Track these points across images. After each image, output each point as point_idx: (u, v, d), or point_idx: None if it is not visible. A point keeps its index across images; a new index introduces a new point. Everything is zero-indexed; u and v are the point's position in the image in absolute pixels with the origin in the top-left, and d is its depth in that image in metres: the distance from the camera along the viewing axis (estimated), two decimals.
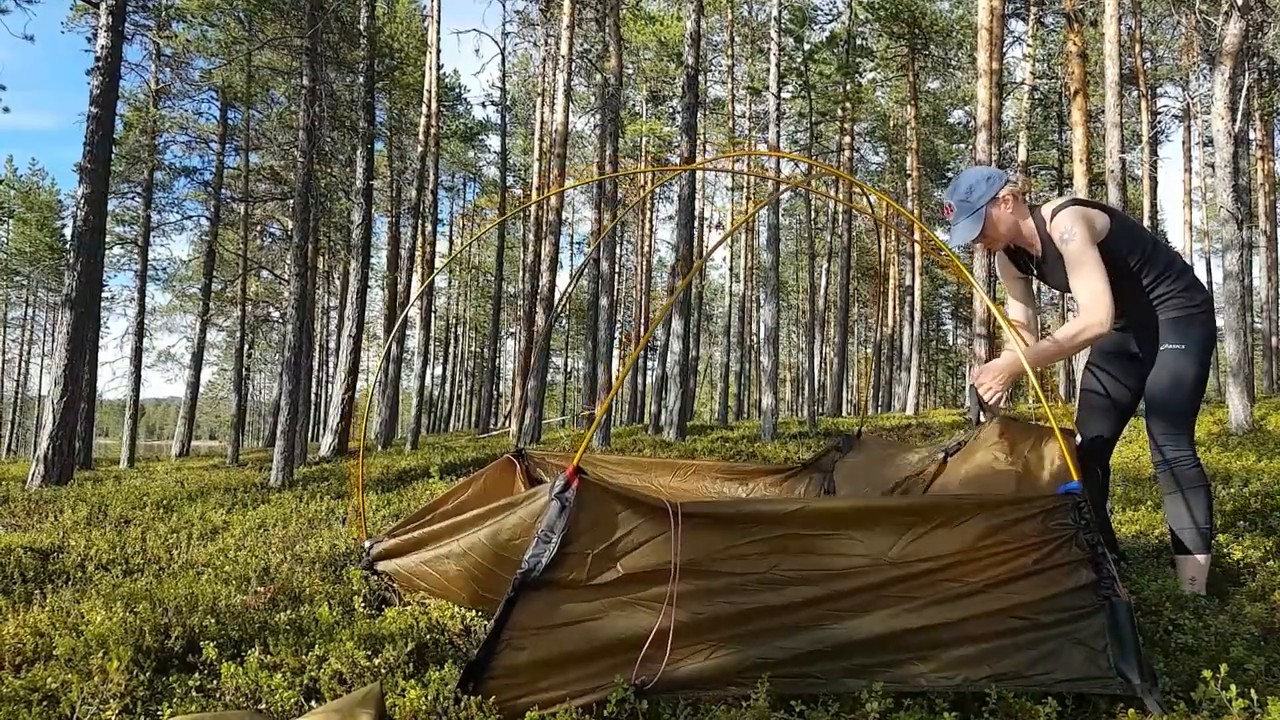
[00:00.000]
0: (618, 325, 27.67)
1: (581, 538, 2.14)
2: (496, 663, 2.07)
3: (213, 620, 2.80)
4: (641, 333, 31.48)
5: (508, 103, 27.60)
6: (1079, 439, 3.28)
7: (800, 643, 2.16)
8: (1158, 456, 3.15)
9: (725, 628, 2.17)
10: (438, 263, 24.53)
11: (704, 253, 32.08)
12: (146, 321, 22.79)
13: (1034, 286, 3.49)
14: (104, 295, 22.24)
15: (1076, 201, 3.07)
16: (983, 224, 3.05)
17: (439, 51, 18.55)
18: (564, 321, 40.15)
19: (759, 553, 2.25)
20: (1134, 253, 3.08)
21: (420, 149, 18.37)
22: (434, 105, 18.52)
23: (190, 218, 23.62)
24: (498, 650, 2.08)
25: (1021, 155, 21.72)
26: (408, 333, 22.08)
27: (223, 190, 21.74)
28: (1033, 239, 3.16)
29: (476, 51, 41.30)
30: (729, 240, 31.68)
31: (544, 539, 2.12)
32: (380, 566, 3.45)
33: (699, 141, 21.78)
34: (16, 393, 40.77)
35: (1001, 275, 3.48)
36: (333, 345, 28.09)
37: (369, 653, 2.43)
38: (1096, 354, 3.43)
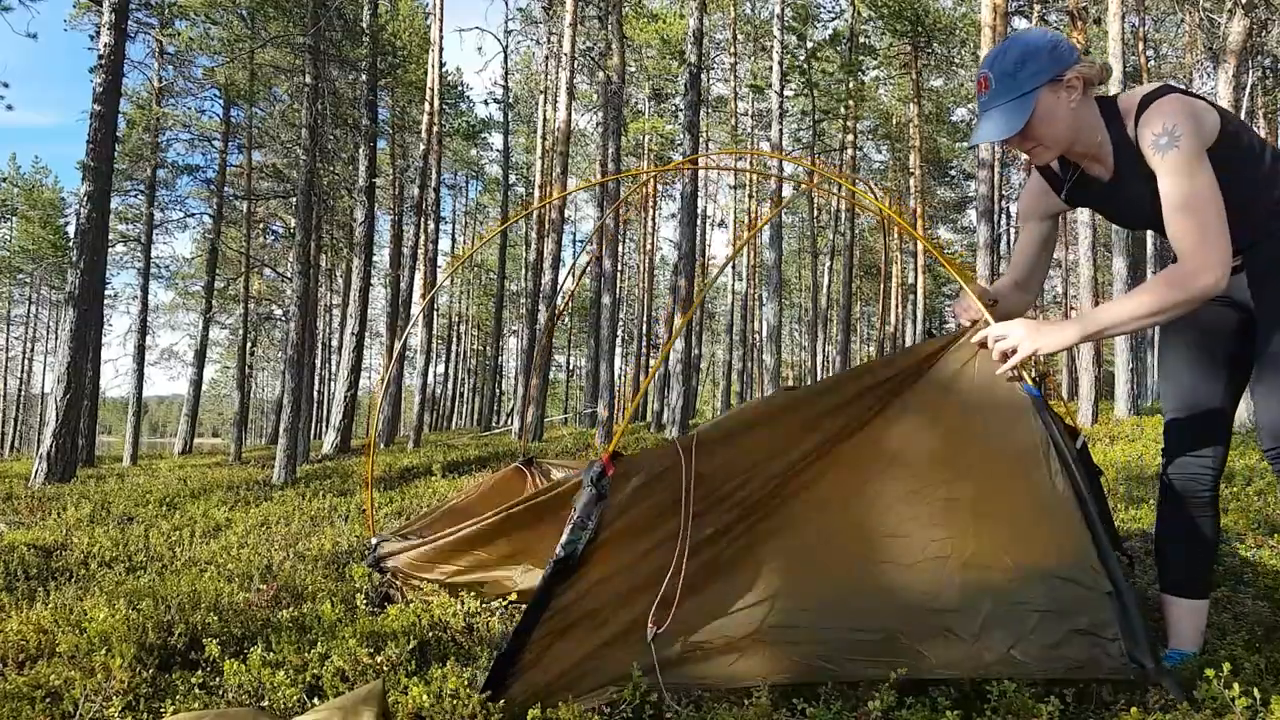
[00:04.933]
0: (620, 323, 27.67)
1: (616, 522, 2.13)
2: (526, 656, 2.06)
3: (215, 617, 2.81)
4: (646, 332, 31.47)
5: (510, 100, 27.62)
6: (1166, 459, 2.39)
7: (826, 590, 2.16)
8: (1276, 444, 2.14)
9: (745, 583, 2.17)
10: (440, 260, 24.53)
11: (707, 251, 32.11)
12: (149, 319, 22.83)
13: (1055, 238, 2.49)
14: (107, 293, 22.24)
15: (1174, 89, 2.05)
16: (1029, 115, 2.02)
17: (441, 49, 18.55)
18: (567, 319, 40.14)
19: (780, 471, 2.24)
20: (1249, 166, 2.09)
21: (423, 147, 18.37)
22: (437, 103, 18.52)
23: (193, 215, 23.68)
24: (528, 644, 2.07)
25: (1024, 154, 21.65)
26: (410, 331, 22.09)
27: (225, 188, 21.77)
28: (1100, 150, 2.15)
29: (479, 49, 41.50)
30: (731, 238, 31.64)
31: (580, 525, 2.09)
32: (388, 564, 3.45)
33: (702, 140, 21.76)
34: (20, 390, 40.85)
35: (1022, 214, 2.46)
36: (335, 343, 28.12)
37: (371, 650, 2.43)
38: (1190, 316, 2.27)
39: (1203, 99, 2.07)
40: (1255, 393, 2.16)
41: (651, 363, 28.21)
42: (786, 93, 21.09)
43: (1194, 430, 2.32)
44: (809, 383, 30.14)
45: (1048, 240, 2.43)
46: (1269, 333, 2.11)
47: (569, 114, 16.73)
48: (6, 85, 15.91)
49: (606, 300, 17.78)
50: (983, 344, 2.27)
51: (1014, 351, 2.15)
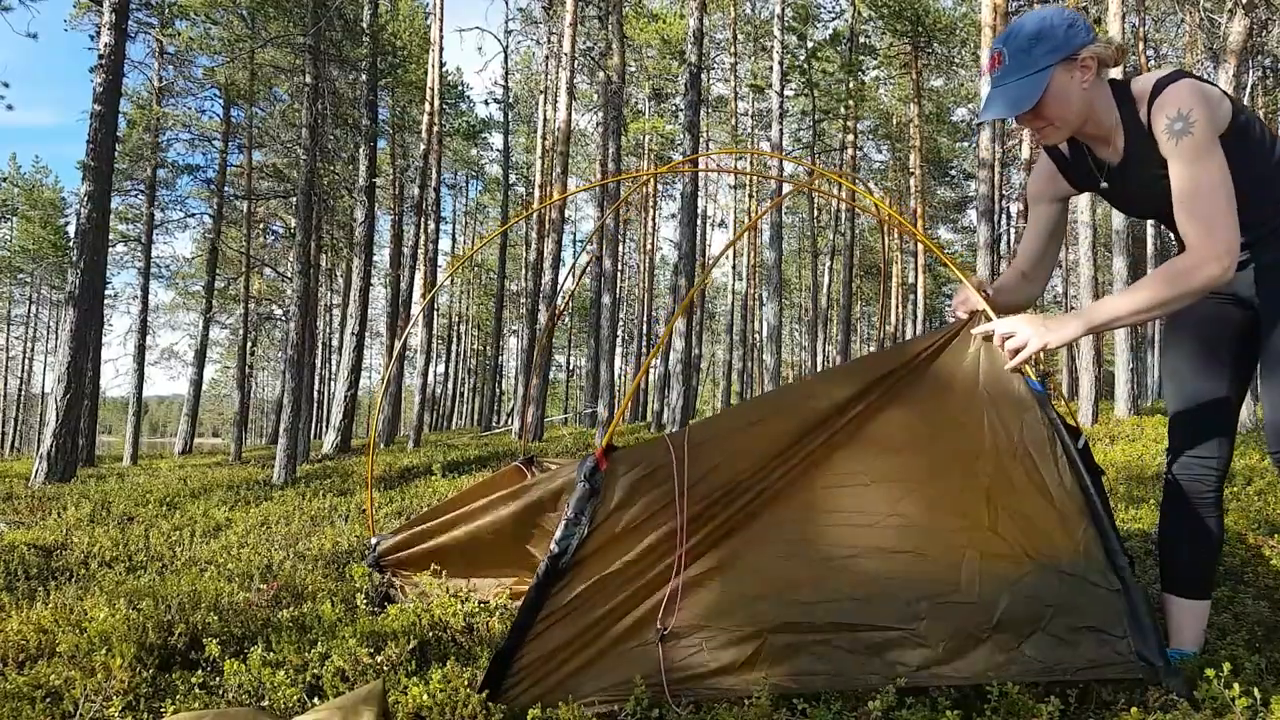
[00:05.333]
0: (620, 323, 27.70)
1: (610, 518, 2.11)
2: (523, 656, 2.05)
3: (215, 617, 2.81)
4: (646, 331, 31.48)
5: (510, 100, 27.63)
6: (1170, 458, 2.36)
7: (828, 594, 2.12)
8: None
9: (745, 584, 2.14)
10: (440, 260, 24.54)
11: (708, 251, 32.10)
12: (150, 319, 22.84)
13: (1064, 226, 2.42)
14: (107, 293, 22.25)
15: (1187, 74, 2.02)
16: (1043, 91, 1.97)
17: (442, 49, 18.56)
18: (567, 319, 40.15)
19: (779, 469, 2.21)
20: (1258, 159, 2.06)
21: (423, 146, 18.38)
22: (437, 103, 18.52)
23: (193, 215, 23.68)
24: (525, 643, 2.06)
25: (1025, 153, 21.67)
26: (410, 330, 22.12)
27: (226, 188, 21.77)
28: (1111, 131, 2.10)
29: (479, 49, 41.50)
30: (731, 238, 31.68)
31: (574, 521, 2.08)
32: (388, 560, 3.46)
33: (702, 139, 21.77)
34: (20, 390, 40.87)
35: (1032, 197, 2.40)
36: (335, 343, 28.13)
37: (371, 650, 2.43)
38: (1189, 311, 2.25)
39: (1216, 86, 2.04)
40: (1263, 391, 2.11)
41: (654, 361, 28.27)
42: (787, 93, 21.09)
43: (1198, 429, 2.29)
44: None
45: (1056, 226, 2.39)
46: (1275, 330, 2.07)
47: (569, 114, 16.73)
48: (7, 85, 15.94)
49: (606, 300, 17.79)
50: (988, 338, 2.27)
51: (1023, 347, 2.14)
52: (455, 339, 44.31)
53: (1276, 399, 2.08)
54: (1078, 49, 1.99)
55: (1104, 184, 2.23)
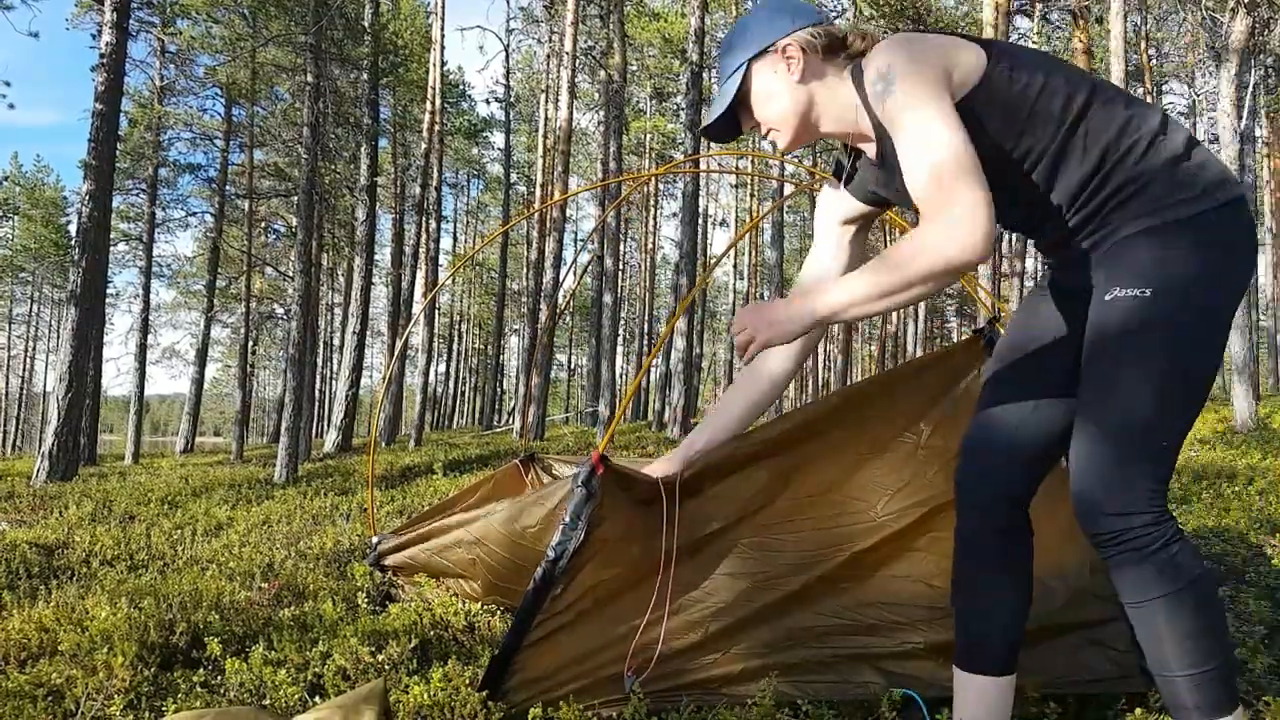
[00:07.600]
0: (621, 322, 27.68)
1: (604, 523, 2.11)
2: (521, 658, 2.06)
3: (217, 616, 2.81)
4: (647, 331, 31.49)
5: (512, 99, 27.61)
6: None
7: (821, 615, 2.14)
8: (1090, 527, 1.54)
9: (737, 608, 2.15)
10: (442, 259, 24.54)
11: (709, 250, 32.10)
12: (151, 318, 22.85)
13: (865, 237, 1.98)
14: (109, 292, 22.26)
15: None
16: (736, 93, 1.68)
17: (443, 48, 18.56)
18: (568, 318, 40.12)
19: (765, 503, 2.22)
20: (1048, 121, 1.53)
21: (424, 145, 18.38)
22: (438, 102, 18.53)
23: (195, 214, 23.68)
24: (522, 646, 2.06)
25: None
26: (411, 330, 22.13)
27: (227, 187, 21.78)
28: (854, 126, 1.70)
29: (480, 48, 41.54)
30: (732, 237, 31.67)
31: (570, 526, 2.07)
32: (388, 561, 3.46)
33: (703, 139, 21.74)
34: (21, 389, 40.92)
35: (819, 217, 2.00)
36: (337, 342, 28.15)
37: (373, 649, 2.43)
38: (1023, 315, 1.82)
39: (962, 36, 1.62)
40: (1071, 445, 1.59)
41: (655, 361, 28.19)
42: None
43: (1007, 436, 1.75)
44: (809, 384, 29.99)
45: (859, 236, 1.93)
46: (1090, 366, 1.55)
47: (570, 113, 16.73)
48: (8, 84, 15.95)
49: (608, 299, 17.80)
50: (977, 357, 2.26)
51: (750, 342, 1.61)
52: (457, 338, 44.30)
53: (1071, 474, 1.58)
54: (774, 40, 1.65)
55: (843, 186, 1.84)
